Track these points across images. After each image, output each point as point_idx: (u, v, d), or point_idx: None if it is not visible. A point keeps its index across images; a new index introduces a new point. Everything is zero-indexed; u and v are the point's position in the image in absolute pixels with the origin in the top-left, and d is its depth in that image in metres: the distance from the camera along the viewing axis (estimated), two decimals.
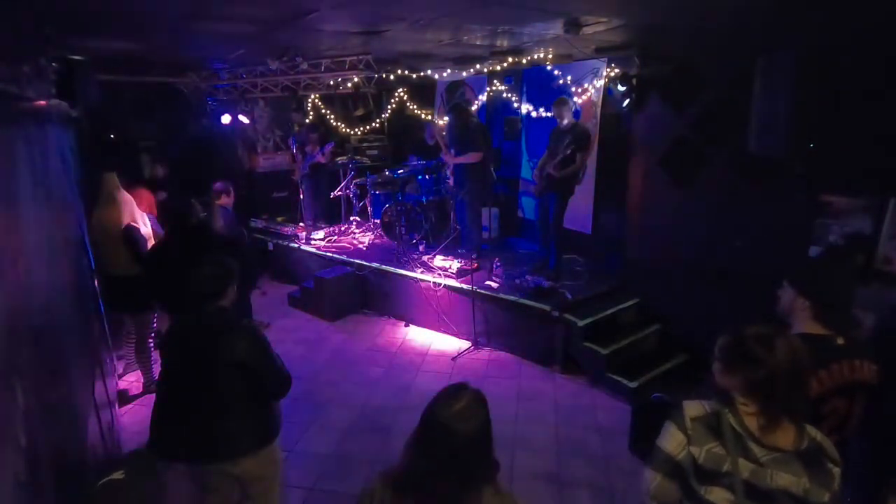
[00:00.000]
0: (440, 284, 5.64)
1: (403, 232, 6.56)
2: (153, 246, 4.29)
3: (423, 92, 7.93)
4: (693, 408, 1.61)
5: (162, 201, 5.81)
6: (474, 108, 6.99)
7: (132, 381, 4.79)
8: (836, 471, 1.51)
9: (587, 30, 4.01)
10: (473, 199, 6.02)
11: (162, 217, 5.18)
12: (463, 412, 1.40)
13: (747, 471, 1.50)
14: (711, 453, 1.53)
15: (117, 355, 4.82)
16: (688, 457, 1.57)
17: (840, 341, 1.90)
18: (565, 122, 5.27)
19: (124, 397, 4.51)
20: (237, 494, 2.48)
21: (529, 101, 6.51)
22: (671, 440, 1.60)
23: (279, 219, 8.06)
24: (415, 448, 1.42)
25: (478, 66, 5.96)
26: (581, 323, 4.80)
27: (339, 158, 7.78)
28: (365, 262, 6.36)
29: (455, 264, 5.80)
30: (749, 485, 1.49)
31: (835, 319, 1.92)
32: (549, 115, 5.89)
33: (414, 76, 6.32)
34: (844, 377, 1.86)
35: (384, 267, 6.17)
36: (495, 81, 6.87)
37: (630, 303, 5.24)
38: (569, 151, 5.11)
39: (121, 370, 4.86)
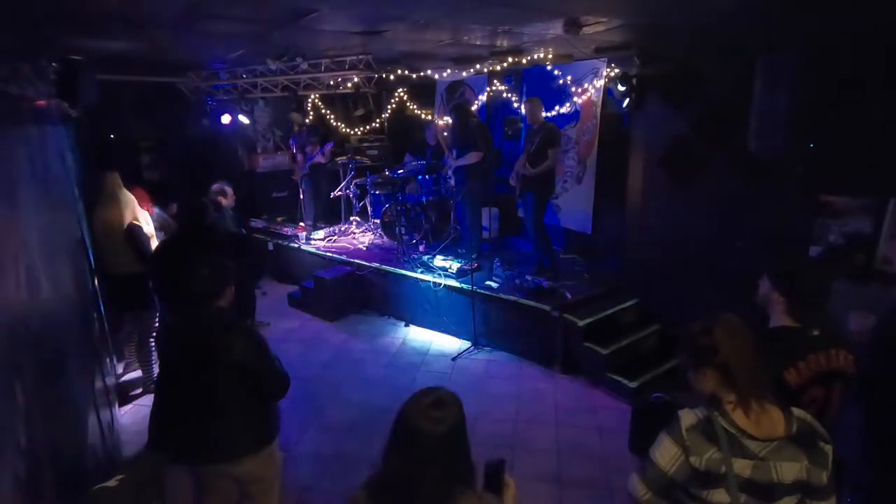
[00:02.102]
0: (440, 284, 5.64)
1: (403, 232, 6.56)
2: (161, 243, 4.28)
3: (423, 92, 7.92)
4: (687, 417, 1.62)
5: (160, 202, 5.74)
6: (474, 108, 6.99)
7: (132, 381, 4.78)
8: (828, 448, 1.54)
9: (587, 30, 4.01)
10: (473, 199, 6.01)
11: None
12: (432, 414, 1.40)
13: (748, 469, 1.51)
14: (712, 460, 1.54)
15: (117, 355, 4.82)
16: (682, 468, 1.57)
17: (815, 332, 1.97)
18: (536, 120, 5.30)
19: (124, 397, 4.51)
20: (237, 495, 2.48)
21: None
22: (665, 454, 1.60)
23: (279, 219, 8.06)
24: (389, 453, 1.42)
25: (478, 66, 5.95)
26: (581, 323, 4.80)
27: (339, 158, 7.78)
28: (365, 262, 6.35)
29: (455, 264, 5.80)
30: (750, 482, 1.51)
31: (808, 315, 2.00)
32: (549, 114, 5.90)
33: (414, 76, 6.32)
34: (821, 367, 1.92)
35: (384, 267, 6.17)
36: (495, 81, 6.86)
37: (630, 303, 5.23)
38: (533, 150, 5.15)
39: (121, 370, 4.86)
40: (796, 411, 1.59)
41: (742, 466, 1.51)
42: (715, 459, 1.53)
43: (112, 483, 1.52)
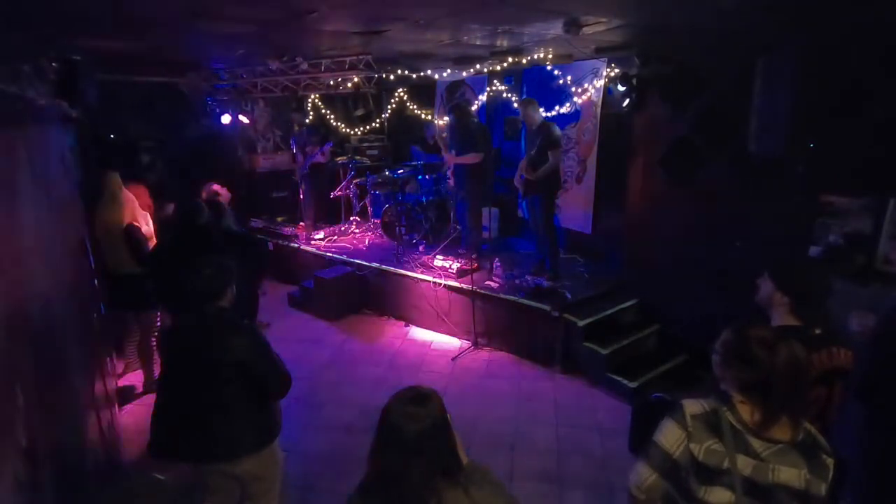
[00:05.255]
0: (440, 284, 5.64)
1: (403, 232, 6.56)
2: (157, 244, 4.29)
3: (423, 92, 7.93)
4: (692, 405, 1.63)
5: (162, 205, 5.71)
6: (474, 108, 6.99)
7: (132, 381, 4.78)
8: (830, 461, 1.54)
9: (587, 30, 4.00)
10: (473, 200, 6.01)
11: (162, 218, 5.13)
12: (413, 411, 1.42)
13: (749, 467, 1.51)
14: (711, 450, 1.54)
15: (117, 355, 4.82)
16: (685, 453, 1.58)
17: (817, 331, 1.99)
18: (533, 122, 5.29)
19: (124, 397, 4.52)
20: (238, 494, 2.48)
21: None
22: (669, 436, 1.61)
23: (279, 219, 8.06)
24: (375, 451, 1.45)
25: (478, 66, 5.95)
26: (581, 323, 4.80)
27: (339, 158, 7.79)
28: (365, 262, 6.36)
29: (455, 264, 5.80)
30: (749, 482, 1.51)
31: (811, 314, 2.01)
32: (549, 114, 5.90)
33: (414, 76, 6.32)
34: (824, 365, 1.94)
35: (384, 267, 6.17)
36: (495, 81, 6.87)
37: (630, 303, 5.24)
38: (534, 152, 5.16)
39: (121, 370, 4.86)
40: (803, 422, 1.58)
41: (743, 464, 1.51)
42: (714, 451, 1.53)
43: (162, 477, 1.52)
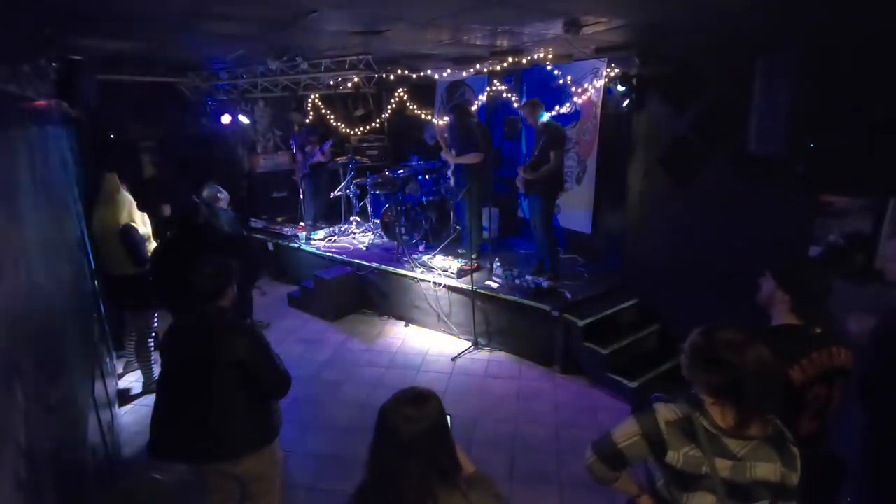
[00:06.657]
0: (440, 284, 5.64)
1: (403, 232, 6.56)
2: (157, 245, 4.29)
3: (423, 92, 7.93)
4: (666, 412, 1.61)
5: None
6: (474, 108, 6.99)
7: (132, 381, 4.79)
8: (796, 451, 1.55)
9: (587, 30, 4.01)
10: (473, 200, 6.01)
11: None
12: (409, 413, 1.42)
13: (727, 469, 1.52)
14: (689, 456, 1.54)
15: (117, 355, 4.82)
16: (636, 448, 1.62)
17: (817, 331, 2.00)
18: (537, 122, 5.28)
19: (124, 397, 4.52)
20: (238, 494, 2.49)
21: None
22: (622, 431, 1.67)
23: (279, 219, 8.06)
24: (373, 453, 1.45)
25: (478, 66, 5.95)
26: (581, 323, 4.80)
27: (339, 158, 7.79)
28: (365, 262, 6.36)
29: (455, 264, 5.80)
30: (730, 483, 1.51)
31: (811, 313, 2.02)
32: (549, 114, 5.90)
33: (414, 76, 6.32)
34: (824, 364, 1.94)
35: (384, 267, 6.17)
36: (495, 81, 6.87)
37: (630, 303, 5.24)
38: (537, 152, 5.16)
39: (121, 370, 4.87)
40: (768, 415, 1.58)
41: (722, 466, 1.52)
42: (693, 457, 1.54)
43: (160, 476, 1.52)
